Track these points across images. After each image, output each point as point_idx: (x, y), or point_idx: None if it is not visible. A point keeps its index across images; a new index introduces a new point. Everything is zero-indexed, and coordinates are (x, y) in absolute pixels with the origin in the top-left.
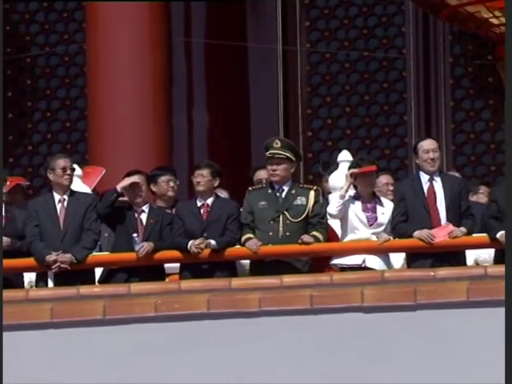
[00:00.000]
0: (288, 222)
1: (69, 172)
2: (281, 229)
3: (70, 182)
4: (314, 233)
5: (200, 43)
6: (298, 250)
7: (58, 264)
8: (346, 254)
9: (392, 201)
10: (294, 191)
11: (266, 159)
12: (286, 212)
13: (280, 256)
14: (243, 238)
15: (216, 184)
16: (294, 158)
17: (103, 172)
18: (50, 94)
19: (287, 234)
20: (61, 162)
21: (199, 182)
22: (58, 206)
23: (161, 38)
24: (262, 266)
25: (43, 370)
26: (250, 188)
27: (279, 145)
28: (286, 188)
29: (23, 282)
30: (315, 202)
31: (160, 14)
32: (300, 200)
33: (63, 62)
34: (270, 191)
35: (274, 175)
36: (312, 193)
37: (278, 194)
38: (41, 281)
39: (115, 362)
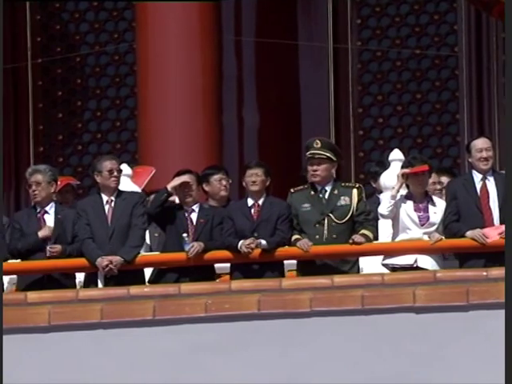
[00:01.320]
0: (333, 224)
1: (115, 174)
2: (326, 231)
3: (117, 183)
4: (364, 231)
5: (250, 42)
6: (349, 249)
7: (108, 268)
8: (397, 254)
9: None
10: (336, 191)
11: (307, 160)
12: (330, 214)
13: (331, 256)
14: (292, 239)
15: (268, 183)
16: (334, 158)
17: (153, 172)
18: (100, 94)
19: (333, 236)
20: (107, 164)
21: (254, 182)
22: (106, 207)
23: (211, 37)
24: (312, 266)
25: (93, 371)
26: (291, 190)
27: (319, 145)
28: (328, 188)
29: (75, 283)
30: (359, 200)
31: (210, 13)
32: (344, 200)
33: (113, 61)
34: (312, 193)
35: (314, 175)
36: (355, 191)
37: (320, 195)
38: (90, 281)
39: (165, 363)
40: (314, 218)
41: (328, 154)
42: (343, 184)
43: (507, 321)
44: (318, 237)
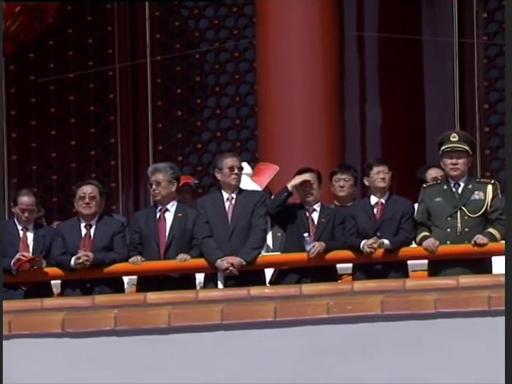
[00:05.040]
0: (466, 217)
1: (236, 171)
2: (459, 225)
3: (238, 181)
4: (490, 230)
5: (373, 37)
6: (476, 249)
7: (228, 270)
8: None
9: None
10: (470, 186)
11: (442, 154)
12: (463, 207)
13: (457, 256)
14: (418, 237)
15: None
16: (471, 152)
17: (276, 170)
18: (220, 91)
19: (466, 230)
20: (228, 162)
21: (383, 179)
22: (227, 204)
23: (333, 32)
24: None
25: (214, 372)
26: (424, 185)
27: (457, 138)
28: (462, 183)
29: (195, 284)
30: (494, 197)
31: (332, 8)
32: (477, 195)
33: (233, 58)
34: (445, 187)
35: (454, 169)
36: (490, 187)
37: (453, 189)
38: (210, 281)
39: (287, 364)
40: (446, 211)
41: (466, 148)
42: (478, 179)
43: (507, 323)
44: (449, 230)
